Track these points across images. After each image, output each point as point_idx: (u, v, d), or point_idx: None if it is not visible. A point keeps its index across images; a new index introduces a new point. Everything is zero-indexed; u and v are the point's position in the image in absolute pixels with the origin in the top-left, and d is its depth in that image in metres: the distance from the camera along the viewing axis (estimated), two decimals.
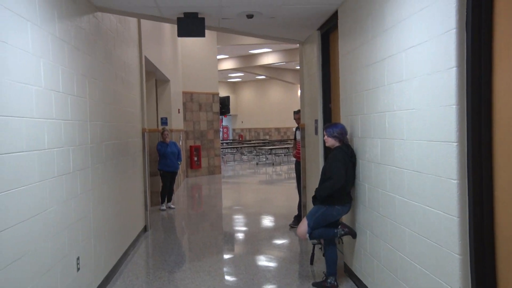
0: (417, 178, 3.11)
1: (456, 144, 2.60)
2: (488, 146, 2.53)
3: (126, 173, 6.00)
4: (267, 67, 26.46)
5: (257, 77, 30.39)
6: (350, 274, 4.81)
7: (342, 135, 4.49)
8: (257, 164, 20.38)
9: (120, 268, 5.39)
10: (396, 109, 3.44)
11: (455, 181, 2.61)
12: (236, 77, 31.09)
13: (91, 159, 4.40)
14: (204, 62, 15.53)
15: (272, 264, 5.60)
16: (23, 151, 2.90)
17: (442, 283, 2.80)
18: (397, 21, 3.38)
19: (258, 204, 10.32)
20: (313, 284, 4.68)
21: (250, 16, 5.07)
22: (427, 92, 2.92)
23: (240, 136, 34.58)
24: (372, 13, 3.88)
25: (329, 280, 4.56)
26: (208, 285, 4.85)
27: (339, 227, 4.50)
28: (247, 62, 24.02)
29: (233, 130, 35.79)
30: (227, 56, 23.71)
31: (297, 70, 26.77)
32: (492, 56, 2.50)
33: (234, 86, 34.13)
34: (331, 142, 4.51)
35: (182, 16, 4.97)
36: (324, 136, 4.59)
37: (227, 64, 24.41)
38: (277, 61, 22.81)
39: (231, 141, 32.67)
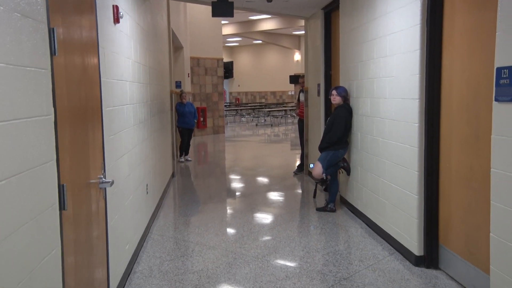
0: (394, 124, 4.52)
1: (418, 100, 4.00)
2: (437, 101, 3.93)
3: (163, 127, 7.37)
4: (265, 32, 27.42)
5: (254, 41, 31.34)
6: (345, 202, 6.28)
7: (346, 95, 5.87)
8: (256, 125, 21.76)
9: (163, 201, 6.84)
10: (382, 76, 4.81)
11: (416, 124, 4.03)
12: (234, 41, 32.02)
13: (149, 113, 5.75)
14: (209, 29, 16.64)
15: (281, 198, 7.07)
16: (126, 104, 4.25)
17: (408, 193, 4.26)
18: (384, 12, 4.71)
19: (261, 158, 11.76)
20: (317, 209, 6.16)
21: (269, 1, 6.35)
22: (402, 65, 4.29)
23: (237, 99, 35.74)
24: (367, 2, 5.19)
25: (329, 206, 6.04)
26: (222, 217, 6.32)
27: (341, 161, 5.95)
28: (246, 27, 24.97)
29: (230, 93, 36.92)
30: (227, 22, 24.67)
31: (293, 35, 27.77)
32: (442, 43, 3.87)
33: (231, 50, 35.05)
34: (338, 100, 5.88)
35: (216, 0, 6.25)
36: (332, 95, 5.93)
37: (227, 30, 25.37)
38: (275, 27, 23.81)
39: (228, 103, 33.87)
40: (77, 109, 2.68)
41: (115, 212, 3.58)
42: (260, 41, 29.92)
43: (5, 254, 1.71)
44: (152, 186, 5.80)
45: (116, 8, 3.80)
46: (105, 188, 3.23)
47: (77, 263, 2.58)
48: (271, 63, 33.38)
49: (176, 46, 12.38)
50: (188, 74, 14.71)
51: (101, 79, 3.25)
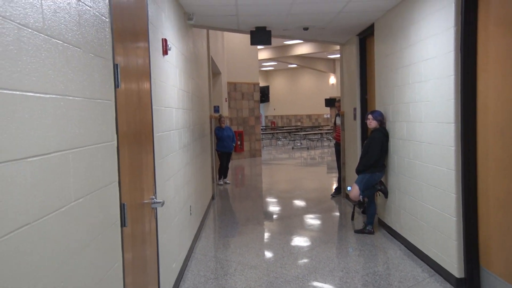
0: (430, 148, 4.62)
1: (453, 124, 4.11)
2: (473, 125, 4.03)
3: (203, 151, 7.65)
4: (300, 57, 27.75)
5: (289, 65, 31.72)
6: (383, 225, 6.34)
7: (382, 119, 6.00)
8: (292, 148, 21.91)
9: (204, 222, 7.06)
10: (417, 101, 4.93)
11: (453, 148, 4.12)
12: (269, 66, 32.51)
13: (191, 138, 6.03)
14: (246, 55, 17.06)
15: (319, 221, 7.17)
16: (172, 130, 4.52)
17: (446, 215, 4.33)
18: (418, 40, 4.86)
19: (298, 181, 11.88)
20: (355, 231, 6.25)
21: (306, 29, 6.60)
22: (437, 90, 4.42)
23: (273, 122, 36.02)
24: (401, 30, 5.35)
25: (367, 228, 6.12)
26: (261, 238, 6.47)
27: (378, 183, 6.05)
28: (281, 52, 25.36)
29: (266, 117, 37.28)
30: (263, 47, 25.13)
31: (328, 59, 27.97)
32: (476, 69, 3.99)
33: (267, 74, 35.54)
34: (374, 124, 6.01)
35: (254, 29, 6.54)
36: (368, 119, 6.07)
37: (262, 55, 25.83)
38: (310, 52, 24.11)
39: (264, 127, 34.19)
40: (134, 135, 2.94)
41: (164, 231, 3.81)
42: (295, 65, 30.27)
43: (80, 265, 1.94)
44: (195, 207, 6.04)
45: (164, 41, 4.10)
46: (156, 208, 3.46)
47: (134, 277, 2.80)
48: (306, 86, 33.63)
49: (214, 72, 12.78)
50: (226, 98, 15.09)
51: (153, 107, 3.52)
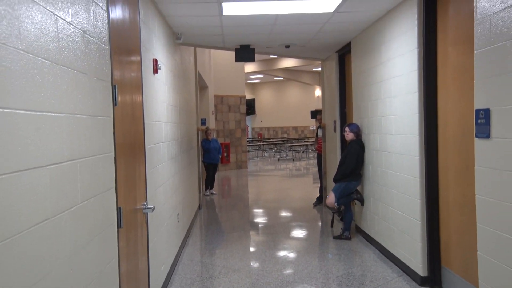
0: (399, 158, 5.04)
1: (418, 136, 4.53)
2: (435, 137, 4.46)
3: (191, 163, 8.00)
4: (286, 70, 28.27)
5: (275, 78, 32.24)
6: (360, 231, 6.74)
7: (358, 131, 6.42)
8: (278, 160, 22.31)
9: (191, 230, 7.40)
10: (388, 114, 5.36)
11: (417, 157, 4.54)
12: (255, 78, 32.99)
13: (179, 150, 6.39)
14: (232, 69, 17.47)
15: (301, 228, 7.55)
16: (161, 142, 4.88)
17: (412, 219, 4.74)
18: (389, 58, 5.30)
19: (283, 191, 12.27)
20: (334, 237, 6.63)
21: (287, 46, 7.03)
22: (404, 105, 4.85)
23: (259, 134, 36.44)
24: (374, 49, 5.80)
25: (345, 234, 6.51)
26: (246, 245, 6.83)
27: (354, 192, 6.45)
28: (267, 65, 25.84)
29: (252, 129, 37.70)
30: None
31: (314, 72, 28.51)
32: (437, 86, 4.43)
33: (253, 87, 36.02)
34: (351, 136, 6.44)
35: (239, 47, 6.95)
36: (346, 132, 6.50)
37: (249, 68, 26.28)
38: (296, 65, 24.63)
39: (250, 139, 34.58)
40: (128, 147, 3.30)
41: (154, 235, 4.15)
42: (281, 78, 30.79)
43: (85, 258, 2.29)
44: (182, 216, 6.37)
45: (155, 61, 4.48)
46: (147, 213, 3.82)
47: (128, 273, 3.15)
48: (293, 98, 34.14)
49: (201, 86, 13.16)
50: (212, 111, 15.47)
51: (145, 121, 3.89)
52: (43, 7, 1.86)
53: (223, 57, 17.00)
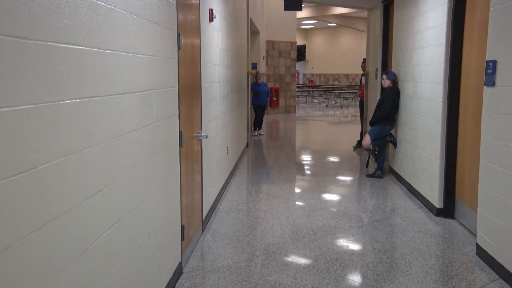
0: (426, 103, 5.56)
1: (442, 84, 5.04)
2: (457, 85, 4.94)
3: (240, 103, 8.74)
4: (340, 16, 28.03)
5: (329, 24, 31.99)
6: (392, 171, 7.35)
7: (395, 78, 6.91)
8: (326, 106, 22.75)
9: (239, 164, 8.25)
10: (420, 64, 5.83)
11: (440, 103, 5.07)
12: (308, 24, 32.85)
13: (230, 90, 7.12)
14: (284, 14, 17.70)
15: (339, 166, 8.23)
16: (214, 82, 5.61)
17: (432, 158, 5.32)
18: (424, 11, 5.71)
19: (328, 135, 12.89)
20: (367, 175, 7.29)
21: None
22: (434, 54, 5.31)
23: (310, 81, 36.60)
24: (413, 0, 6.18)
25: (377, 172, 7.15)
26: (287, 177, 7.60)
27: (388, 135, 7.04)
28: (320, 11, 25.75)
29: (304, 75, 37.86)
30: (303, 5, 25.55)
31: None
32: (462, 39, 4.87)
33: (306, 32, 35.89)
34: (388, 83, 6.94)
35: None
36: (383, 79, 7.01)
37: (302, 13, 26.30)
38: (349, 11, 24.43)
39: (301, 85, 34.88)
40: (188, 84, 4.05)
41: (206, 160, 4.97)
42: (334, 24, 30.56)
43: (158, 162, 3.10)
44: (231, 149, 7.19)
45: (211, 11, 5.14)
46: (202, 140, 4.61)
47: (186, 186, 3.98)
48: (345, 45, 33.86)
49: (253, 31, 13.69)
50: (264, 56, 16.02)
51: (201, 63, 4.61)
52: None
53: (275, 3, 17.30)
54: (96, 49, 2.08)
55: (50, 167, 1.69)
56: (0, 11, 1.40)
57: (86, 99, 1.98)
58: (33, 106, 1.58)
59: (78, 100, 1.90)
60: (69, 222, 1.84)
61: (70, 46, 1.83)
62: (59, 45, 1.74)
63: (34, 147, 1.59)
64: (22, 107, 1.52)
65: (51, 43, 1.69)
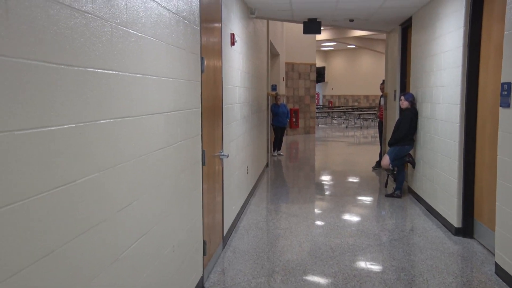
0: (444, 124, 5.64)
1: (459, 105, 5.12)
2: (474, 106, 5.03)
3: (260, 124, 8.91)
4: (359, 38, 28.23)
5: (348, 46, 32.21)
6: (411, 191, 7.39)
7: (413, 100, 7.01)
8: (346, 127, 22.81)
9: (258, 183, 8.37)
10: (438, 85, 5.93)
11: (458, 124, 5.15)
12: (328, 46, 33.13)
13: (250, 111, 7.29)
14: (304, 37, 17.93)
15: (358, 187, 8.29)
16: (235, 103, 5.79)
17: (451, 178, 5.37)
18: (441, 34, 5.83)
19: (347, 156, 12.96)
20: (386, 195, 7.34)
21: (351, 20, 7.64)
22: (450, 77, 5.41)
23: (330, 102, 36.72)
24: (430, 24, 6.31)
25: (396, 192, 7.20)
26: (306, 197, 7.69)
27: (407, 156, 7.10)
28: (340, 33, 25.97)
29: (323, 96, 38.01)
30: (322, 28, 25.83)
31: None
32: (479, 61, 4.96)
33: (326, 54, 36.16)
34: (406, 104, 7.04)
35: (307, 20, 7.65)
36: (401, 100, 7.11)
37: (322, 35, 26.55)
38: (368, 33, 24.59)
39: (321, 106, 35.00)
40: (210, 105, 4.22)
41: (227, 178, 5.12)
42: (353, 46, 30.76)
43: (183, 178, 3.25)
44: (251, 169, 7.34)
45: (232, 36, 5.35)
46: (223, 159, 4.77)
47: (208, 204, 4.12)
48: (364, 67, 33.97)
49: (273, 54, 13.94)
50: (283, 78, 16.25)
51: (223, 85, 4.80)
52: (157, 2, 2.76)
53: (295, 26, 17.55)
54: (128, 74, 2.26)
55: (88, 181, 1.85)
56: (48, 42, 1.58)
57: (119, 119, 2.15)
58: (73, 125, 1.75)
59: (112, 120, 2.08)
60: (104, 231, 1.99)
61: (106, 71, 2.01)
62: (96, 70, 1.93)
63: (74, 162, 1.75)
64: (66, 126, 1.69)
65: (90, 69, 1.87)
